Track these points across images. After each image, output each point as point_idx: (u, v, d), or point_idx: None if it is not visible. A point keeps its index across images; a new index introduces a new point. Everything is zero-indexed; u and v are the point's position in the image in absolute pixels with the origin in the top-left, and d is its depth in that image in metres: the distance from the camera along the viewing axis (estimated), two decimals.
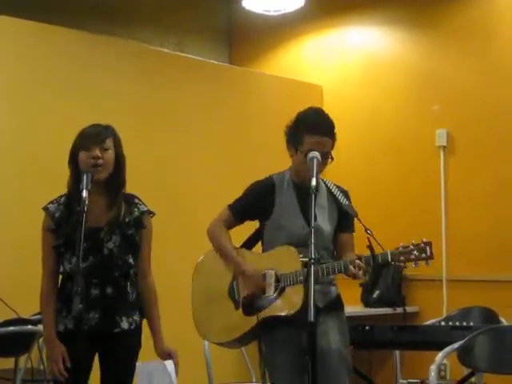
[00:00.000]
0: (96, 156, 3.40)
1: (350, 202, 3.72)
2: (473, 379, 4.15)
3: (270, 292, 3.54)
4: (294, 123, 3.68)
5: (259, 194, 3.72)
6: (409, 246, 3.36)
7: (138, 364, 3.44)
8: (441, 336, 4.17)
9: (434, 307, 6.05)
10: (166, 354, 3.50)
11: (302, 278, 3.43)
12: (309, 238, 3.16)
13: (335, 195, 3.68)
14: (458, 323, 4.30)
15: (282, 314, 3.46)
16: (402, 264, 3.39)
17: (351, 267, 3.39)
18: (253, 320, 3.55)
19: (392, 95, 6.69)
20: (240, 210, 3.77)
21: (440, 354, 3.86)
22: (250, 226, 3.85)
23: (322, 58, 7.24)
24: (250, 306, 3.60)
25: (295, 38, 7.40)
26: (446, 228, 6.19)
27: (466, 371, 4.31)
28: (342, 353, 3.56)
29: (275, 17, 6.94)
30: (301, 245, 3.47)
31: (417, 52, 6.62)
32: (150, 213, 3.58)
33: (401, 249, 3.36)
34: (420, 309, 6.28)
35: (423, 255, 3.35)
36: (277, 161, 6.12)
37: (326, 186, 3.73)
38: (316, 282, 3.37)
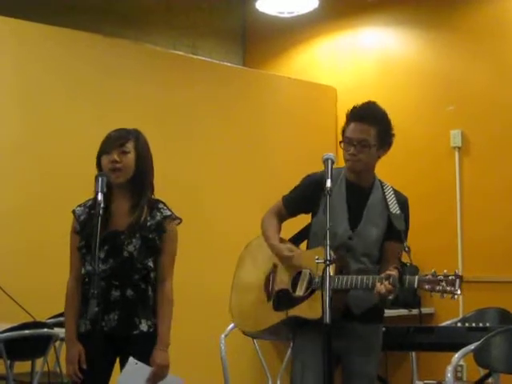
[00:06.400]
0: (114, 160, 3.41)
1: (404, 211, 3.57)
2: (489, 380, 4.13)
3: (301, 291, 3.48)
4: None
5: (309, 187, 3.61)
6: (438, 276, 3.17)
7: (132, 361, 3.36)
8: (457, 337, 4.16)
9: (450, 308, 6.02)
10: (153, 363, 3.38)
11: (335, 284, 3.30)
12: (343, 240, 3.16)
13: (387, 201, 3.56)
14: (474, 324, 4.27)
15: (308, 316, 3.40)
16: (428, 291, 3.19)
17: (378, 285, 3.25)
18: (281, 315, 3.52)
19: (406, 96, 6.67)
20: (291, 202, 3.70)
21: (456, 355, 3.85)
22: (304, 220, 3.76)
23: (335, 59, 7.23)
24: (280, 300, 3.57)
25: (309, 40, 7.40)
26: (461, 229, 6.17)
27: (482, 372, 4.30)
28: (371, 378, 3.55)
29: (289, 19, 6.96)
30: (341, 247, 3.43)
31: (431, 53, 6.60)
32: (175, 218, 3.52)
33: (430, 276, 3.19)
34: (436, 310, 6.26)
35: (450, 288, 3.13)
36: (291, 162, 6.15)
37: (382, 189, 3.61)
38: (349, 289, 3.36)
